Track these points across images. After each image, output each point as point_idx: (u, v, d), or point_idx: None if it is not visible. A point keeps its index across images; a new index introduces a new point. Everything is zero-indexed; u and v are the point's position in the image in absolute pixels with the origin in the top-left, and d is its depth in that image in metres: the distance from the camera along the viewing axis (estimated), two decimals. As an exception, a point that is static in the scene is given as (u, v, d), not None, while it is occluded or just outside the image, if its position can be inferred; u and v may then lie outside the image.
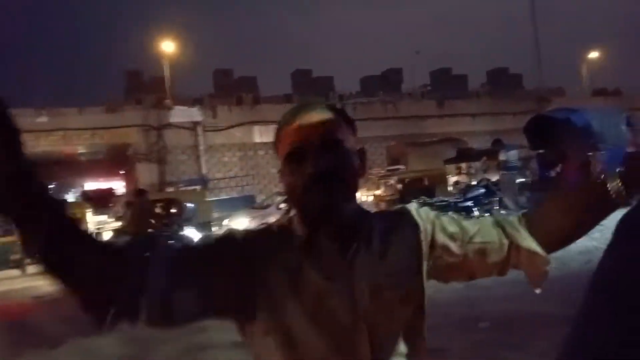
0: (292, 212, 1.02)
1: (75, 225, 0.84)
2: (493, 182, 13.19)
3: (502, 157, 15.63)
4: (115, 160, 26.03)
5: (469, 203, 12.01)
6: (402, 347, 0.96)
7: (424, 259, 1.01)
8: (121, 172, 29.82)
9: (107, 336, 5.68)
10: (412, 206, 1.06)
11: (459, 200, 12.32)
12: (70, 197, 23.51)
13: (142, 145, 21.94)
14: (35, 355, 5.29)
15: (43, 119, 19.65)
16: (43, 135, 20.14)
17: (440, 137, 21.76)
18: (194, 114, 22.53)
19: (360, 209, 1.03)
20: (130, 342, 5.40)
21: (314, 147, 0.93)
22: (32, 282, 11.71)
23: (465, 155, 17.41)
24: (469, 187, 13.51)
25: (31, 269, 13.52)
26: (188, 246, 1.05)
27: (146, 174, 21.82)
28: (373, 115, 24.36)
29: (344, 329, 0.91)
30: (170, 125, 22.12)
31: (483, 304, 5.53)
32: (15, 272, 12.43)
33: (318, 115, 0.97)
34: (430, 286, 1.05)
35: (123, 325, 0.83)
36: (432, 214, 1.06)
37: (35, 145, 20.58)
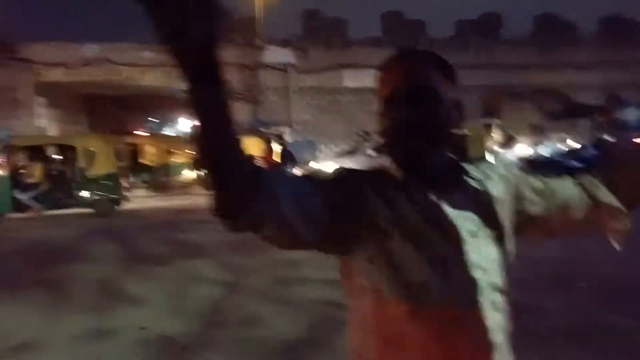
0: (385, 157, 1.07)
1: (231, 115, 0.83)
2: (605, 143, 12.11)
3: (618, 115, 14.22)
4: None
5: (576, 164, 11.05)
6: (498, 282, 1.01)
7: (509, 210, 1.05)
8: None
9: (206, 262, 6.20)
10: (501, 159, 1.09)
11: (565, 159, 11.49)
12: (170, 131, 24.76)
13: (238, 84, 22.54)
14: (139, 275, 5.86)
15: (147, 54, 20.69)
16: (148, 69, 21.28)
17: (541, 89, 20.23)
18: (286, 54, 22.64)
19: (450, 158, 1.06)
20: (227, 270, 5.86)
21: (409, 95, 0.98)
22: (138, 201, 12.91)
23: (572, 110, 15.98)
24: (580, 148, 12.54)
25: (140, 192, 14.94)
26: (306, 175, 1.08)
27: (239, 113, 22.51)
28: (466, 62, 23.13)
29: (444, 259, 0.97)
30: (263, 65, 22.43)
31: (578, 266, 5.32)
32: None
33: (418, 64, 1.02)
34: (519, 242, 1.07)
35: (249, 229, 0.87)
36: (517, 168, 1.11)
37: (140, 78, 21.86)
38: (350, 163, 12.94)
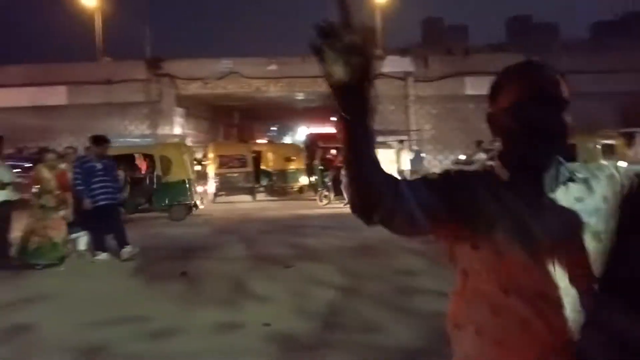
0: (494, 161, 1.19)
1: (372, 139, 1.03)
2: None
3: None
4: (329, 107, 27.78)
5: None
6: (591, 275, 1.10)
7: (612, 209, 1.13)
8: (332, 119, 31.81)
9: (326, 267, 6.39)
10: (612, 163, 1.19)
11: None
12: (289, 139, 25.80)
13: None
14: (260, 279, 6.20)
15: (273, 67, 21.95)
16: (272, 81, 22.56)
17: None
18: (405, 63, 22.55)
19: (561, 160, 1.16)
20: (346, 275, 5.98)
21: (536, 101, 1.08)
22: (260, 204, 13.63)
23: None
24: None
25: (260, 196, 15.84)
26: (422, 176, 1.21)
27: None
28: (605, 67, 21.10)
29: (540, 247, 1.08)
30: (382, 75, 22.58)
31: None
32: (247, 197, 14.66)
33: (546, 73, 1.11)
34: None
35: (380, 222, 1.06)
36: (631, 172, 1.16)
37: (266, 90, 23.22)
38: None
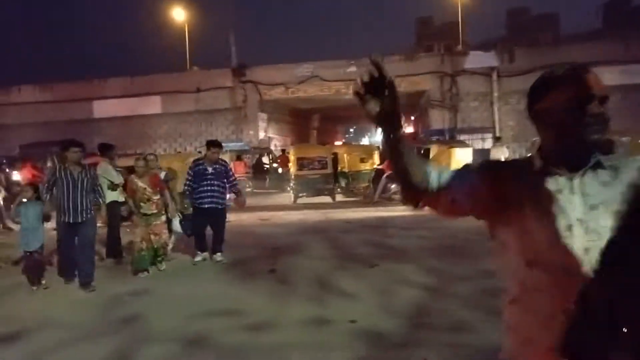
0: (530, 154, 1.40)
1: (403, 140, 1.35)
2: None
3: None
4: (408, 106, 27.45)
5: None
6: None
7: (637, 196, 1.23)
8: (412, 118, 31.38)
9: (411, 267, 6.41)
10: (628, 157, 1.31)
11: None
12: (367, 140, 25.79)
13: (436, 92, 22.54)
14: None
15: (352, 68, 22.12)
16: (352, 83, 22.65)
17: None
18: (489, 58, 21.80)
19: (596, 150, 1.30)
20: (432, 275, 5.97)
21: (597, 97, 1.27)
22: (338, 204, 13.84)
23: None
24: None
25: (339, 197, 16.05)
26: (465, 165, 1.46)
27: (438, 120, 22.47)
28: None
29: (560, 228, 1.25)
30: (464, 72, 21.99)
31: None
32: (327, 198, 14.95)
33: (591, 74, 1.30)
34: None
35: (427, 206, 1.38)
36: None
37: (346, 92, 23.45)
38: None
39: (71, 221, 5.88)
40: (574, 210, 1.26)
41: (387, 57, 23.28)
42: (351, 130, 51.52)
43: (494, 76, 21.70)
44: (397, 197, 13.64)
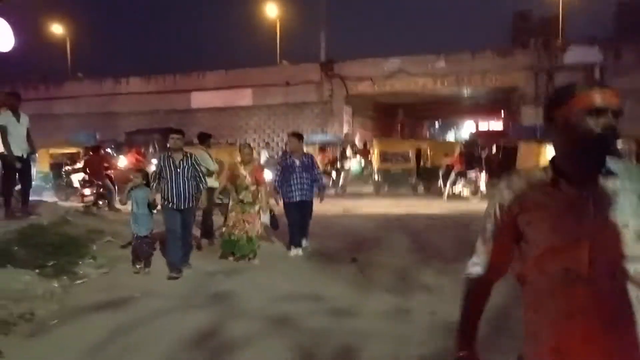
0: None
1: None
2: None
3: None
4: (499, 102, 26.37)
5: None
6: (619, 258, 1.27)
7: None
8: (502, 114, 30.08)
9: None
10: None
11: None
12: (452, 136, 25.13)
13: (530, 88, 21.48)
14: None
15: (441, 64, 21.69)
16: (439, 78, 22.28)
17: None
18: (592, 54, 20.37)
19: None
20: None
21: (608, 111, 1.32)
22: (421, 200, 13.73)
23: None
24: None
25: (421, 192, 15.92)
26: None
27: (531, 117, 21.41)
28: None
29: (571, 237, 1.31)
30: (563, 67, 20.73)
31: None
32: (409, 192, 15.00)
33: (612, 91, 1.36)
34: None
35: None
36: None
37: (433, 87, 23.03)
38: None
39: (175, 208, 6.00)
40: (582, 221, 1.31)
41: (479, 53, 22.53)
42: (436, 125, 50.34)
43: (597, 72, 20.26)
44: (466, 193, 13.38)
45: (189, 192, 6.04)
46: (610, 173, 1.35)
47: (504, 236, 1.49)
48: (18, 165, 6.78)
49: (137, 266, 5.98)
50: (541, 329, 1.38)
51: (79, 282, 5.50)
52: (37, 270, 5.28)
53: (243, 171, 6.67)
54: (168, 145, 6.24)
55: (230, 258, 6.65)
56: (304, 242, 7.13)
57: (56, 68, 36.51)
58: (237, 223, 6.60)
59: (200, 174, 6.23)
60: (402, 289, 5.38)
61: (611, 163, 1.36)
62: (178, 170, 5.98)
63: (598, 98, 1.34)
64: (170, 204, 5.99)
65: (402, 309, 4.75)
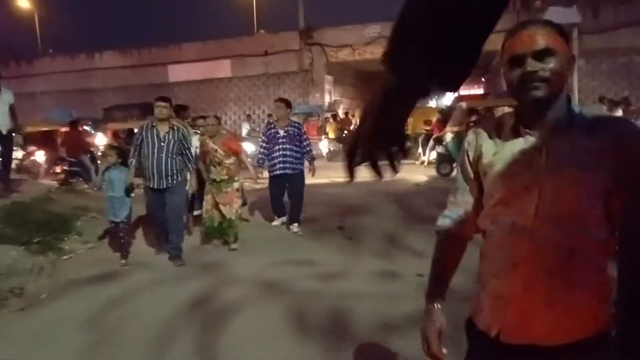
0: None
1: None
2: None
3: None
4: (479, 67, 26.42)
5: None
6: (564, 212, 1.25)
7: (606, 162, 1.23)
8: (483, 80, 30.19)
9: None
10: (618, 116, 1.47)
11: None
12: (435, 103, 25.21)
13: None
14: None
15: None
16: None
17: None
18: (570, 14, 20.37)
19: (564, 107, 1.30)
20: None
21: (527, 54, 1.23)
22: (404, 168, 13.85)
23: None
24: None
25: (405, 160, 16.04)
26: None
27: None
28: None
29: (520, 187, 1.29)
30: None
31: None
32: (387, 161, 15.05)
33: (535, 30, 1.26)
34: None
35: None
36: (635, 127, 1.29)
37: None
38: None
39: (155, 187, 5.34)
40: (536, 172, 1.27)
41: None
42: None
43: (575, 33, 20.32)
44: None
45: (171, 169, 5.34)
46: (571, 124, 1.29)
47: (471, 188, 1.47)
48: None
49: (123, 261, 5.39)
50: (488, 278, 1.39)
51: (66, 257, 5.49)
52: (22, 247, 5.24)
53: (213, 145, 5.86)
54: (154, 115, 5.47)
55: (213, 242, 6.06)
56: (295, 227, 6.55)
57: (25, 44, 35.35)
58: (213, 206, 5.94)
59: (189, 152, 5.53)
60: (389, 253, 5.47)
61: (575, 112, 1.30)
62: (162, 144, 5.29)
63: (516, 45, 1.27)
64: (150, 182, 5.36)
65: (389, 271, 4.84)
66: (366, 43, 22.76)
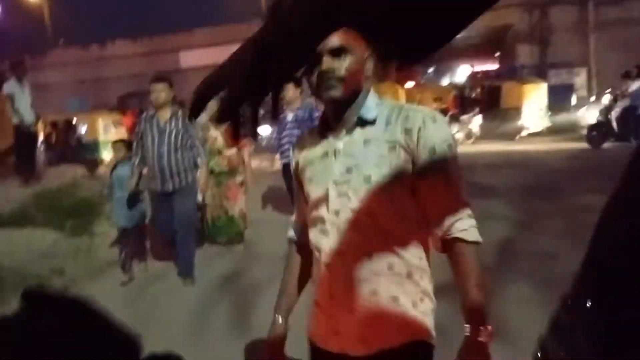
0: None
1: None
2: None
3: None
4: (492, 42, 26.03)
5: None
6: (360, 208, 1.23)
7: (403, 158, 1.22)
8: (496, 55, 29.75)
9: (500, 203, 6.45)
10: (412, 106, 1.29)
11: None
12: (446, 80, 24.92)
13: (524, 25, 21.16)
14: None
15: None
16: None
17: None
18: (586, -16, 19.96)
19: (361, 101, 1.27)
20: (521, 211, 6.01)
21: (323, 52, 1.19)
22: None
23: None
24: None
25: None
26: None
27: (527, 56, 21.20)
28: None
29: (320, 191, 1.28)
30: (557, 2, 20.35)
31: None
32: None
33: (335, 33, 1.19)
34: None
35: None
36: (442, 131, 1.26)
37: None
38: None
39: (160, 189, 4.26)
40: (331, 173, 1.26)
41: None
42: (429, 70, 49.46)
43: (590, 5, 19.92)
44: (458, 136, 13.44)
45: (177, 167, 4.24)
46: (367, 122, 1.25)
47: (301, 196, 1.42)
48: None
49: (125, 276, 4.47)
50: (313, 283, 1.39)
51: (98, 239, 5.68)
52: (57, 231, 5.46)
53: (213, 132, 5.15)
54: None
55: (222, 239, 5.37)
56: None
57: (36, 36, 35.58)
58: (214, 201, 5.25)
59: (197, 144, 4.43)
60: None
61: (372, 110, 1.27)
62: (163, 135, 4.22)
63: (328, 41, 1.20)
64: (153, 182, 4.31)
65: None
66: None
